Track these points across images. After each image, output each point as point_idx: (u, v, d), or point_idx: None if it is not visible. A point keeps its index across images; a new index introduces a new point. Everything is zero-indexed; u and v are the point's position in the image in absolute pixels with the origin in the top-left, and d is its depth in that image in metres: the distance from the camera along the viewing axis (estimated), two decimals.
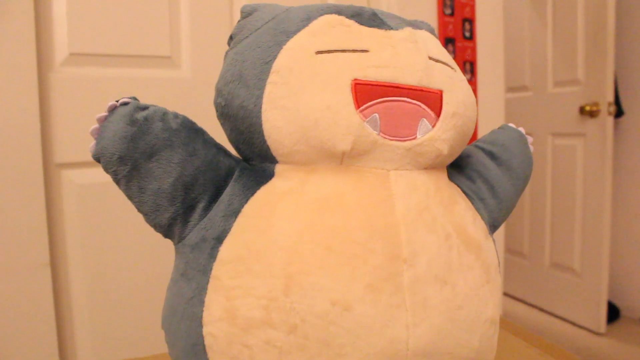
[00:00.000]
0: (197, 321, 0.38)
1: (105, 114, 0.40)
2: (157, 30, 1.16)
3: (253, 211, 0.39)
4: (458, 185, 0.47)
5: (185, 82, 1.20)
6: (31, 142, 1.03)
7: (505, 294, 2.67)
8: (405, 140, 0.39)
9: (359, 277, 0.36)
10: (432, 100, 0.39)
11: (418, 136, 0.39)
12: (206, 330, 0.38)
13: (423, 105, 0.39)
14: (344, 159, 0.39)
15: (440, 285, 0.39)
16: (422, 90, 0.39)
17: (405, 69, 0.38)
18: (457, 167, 0.49)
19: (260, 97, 0.38)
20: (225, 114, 0.42)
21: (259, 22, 0.42)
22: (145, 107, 0.41)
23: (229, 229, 0.39)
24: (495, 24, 1.64)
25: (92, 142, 0.40)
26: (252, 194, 0.40)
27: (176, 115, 0.41)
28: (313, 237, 0.37)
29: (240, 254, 0.37)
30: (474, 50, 1.61)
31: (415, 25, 0.43)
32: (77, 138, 1.09)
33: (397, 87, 0.38)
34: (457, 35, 1.58)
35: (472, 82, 1.62)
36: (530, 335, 0.67)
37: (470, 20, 1.60)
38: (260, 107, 0.38)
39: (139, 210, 0.42)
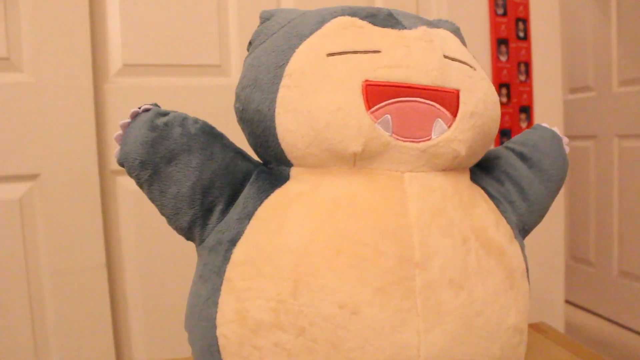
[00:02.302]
0: (211, 322, 0.39)
1: (128, 120, 0.42)
2: (206, 40, 1.20)
3: (266, 214, 0.39)
4: (484, 188, 0.45)
5: (234, 89, 1.22)
6: (88, 149, 1.08)
7: (570, 303, 2.55)
8: (419, 142, 0.38)
9: (368, 280, 0.36)
10: (448, 100, 0.38)
11: (433, 137, 0.38)
12: (219, 331, 0.38)
13: (438, 105, 0.38)
14: (357, 161, 0.38)
15: (455, 290, 0.37)
16: (436, 90, 0.38)
17: (418, 69, 0.38)
18: (485, 169, 0.47)
19: (274, 101, 0.38)
20: (243, 118, 0.42)
21: (276, 27, 0.42)
22: (165, 113, 0.42)
23: (243, 231, 0.39)
24: (551, 22, 1.58)
25: (117, 148, 0.42)
26: (267, 197, 0.40)
27: (196, 121, 0.42)
28: (322, 239, 0.36)
29: (251, 256, 0.38)
30: (528, 50, 1.56)
31: (434, 24, 0.42)
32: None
33: (410, 87, 0.37)
34: (511, 35, 1.53)
35: (527, 83, 1.56)
36: (575, 345, 0.64)
37: (524, 20, 1.55)
38: (274, 111, 0.38)
39: (162, 214, 0.43)
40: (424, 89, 0.38)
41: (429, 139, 0.38)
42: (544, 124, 0.50)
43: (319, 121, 0.37)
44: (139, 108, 0.42)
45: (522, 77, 1.56)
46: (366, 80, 0.37)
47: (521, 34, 1.56)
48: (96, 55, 1.10)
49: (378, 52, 0.38)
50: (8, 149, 1.01)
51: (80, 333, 1.09)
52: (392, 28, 0.40)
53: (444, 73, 0.38)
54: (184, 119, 0.42)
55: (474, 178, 0.46)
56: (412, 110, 0.38)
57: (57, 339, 1.07)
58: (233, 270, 0.38)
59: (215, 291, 0.39)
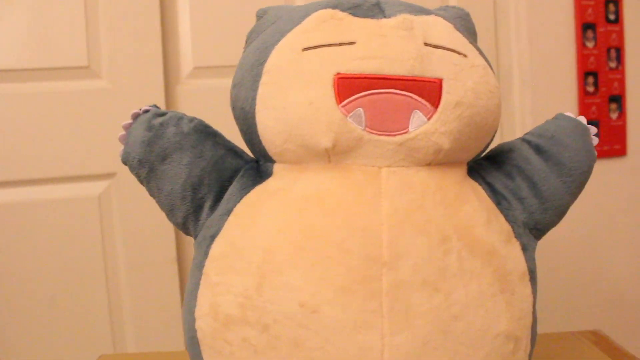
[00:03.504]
0: (192, 315, 0.40)
1: (130, 121, 0.44)
2: None
3: (243, 210, 0.39)
4: (491, 184, 0.42)
5: None
6: None
7: None
8: (395, 135, 0.36)
9: (331, 279, 0.35)
10: (428, 90, 0.36)
11: (410, 130, 0.36)
12: (197, 323, 0.39)
13: (415, 96, 0.36)
14: (331, 156, 0.37)
15: (429, 292, 0.35)
16: (414, 80, 0.36)
17: (393, 59, 0.36)
18: (496, 163, 0.44)
19: (254, 99, 0.38)
20: (235, 116, 0.43)
21: (266, 25, 0.42)
22: (163, 114, 0.43)
23: (222, 227, 0.40)
24: None
25: (121, 148, 0.44)
26: (247, 194, 0.40)
27: (191, 120, 0.44)
28: (288, 236, 0.36)
29: (225, 251, 0.38)
30: (620, 34, 1.43)
31: (425, 11, 0.40)
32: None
33: (384, 79, 0.36)
34: (599, 19, 1.41)
35: (619, 70, 1.43)
36: (628, 357, 0.58)
37: (616, 1, 1.42)
38: (255, 108, 0.39)
39: (162, 210, 0.45)
40: (400, 79, 0.36)
41: (406, 132, 0.36)
42: (568, 113, 0.46)
43: (293, 117, 0.36)
44: (140, 109, 0.44)
45: (613, 64, 1.43)
46: (338, 73, 0.36)
47: (612, 17, 1.43)
48: (168, 59, 1.16)
49: (353, 43, 0.36)
50: (88, 150, 1.09)
51: (154, 323, 1.16)
52: (371, 18, 0.38)
53: (424, 62, 0.36)
54: (179, 119, 0.43)
55: (481, 173, 0.43)
56: (387, 103, 0.36)
57: (132, 328, 1.15)
58: (210, 265, 0.39)
59: (196, 285, 0.40)
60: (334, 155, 0.37)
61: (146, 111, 0.44)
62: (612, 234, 1.34)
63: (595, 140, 0.45)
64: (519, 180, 0.42)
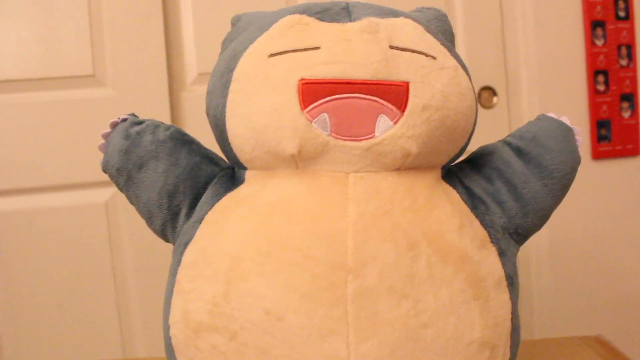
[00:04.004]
0: (167, 322, 0.40)
1: (109, 130, 0.44)
2: None
3: (213, 217, 0.39)
4: (468, 187, 0.41)
5: None
6: None
7: None
8: (361, 140, 0.36)
9: (295, 286, 0.34)
10: (394, 93, 0.36)
11: (376, 134, 0.36)
12: (171, 331, 0.39)
13: (381, 100, 0.35)
14: (298, 162, 0.37)
15: (397, 299, 0.34)
16: (379, 84, 0.35)
17: (357, 63, 0.35)
18: (477, 166, 0.43)
19: (224, 106, 0.38)
20: (210, 124, 0.43)
21: (238, 32, 0.42)
22: (140, 122, 0.44)
23: (194, 234, 0.40)
24: None
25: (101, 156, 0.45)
26: (218, 200, 0.40)
27: (167, 128, 0.44)
28: (254, 243, 0.36)
29: (196, 258, 0.38)
30: (631, 31, 1.40)
31: (394, 13, 0.39)
32: (213, 148, 1.19)
33: (349, 83, 0.35)
34: (608, 16, 1.38)
35: (631, 68, 1.40)
36: None
37: None
38: (225, 115, 0.39)
39: (142, 217, 0.45)
40: (364, 83, 0.35)
41: (372, 137, 0.36)
42: (550, 114, 0.45)
43: (259, 123, 0.36)
44: (118, 118, 0.44)
45: (624, 62, 1.40)
46: (302, 79, 0.35)
47: (622, 14, 1.40)
48: (172, 67, 1.17)
49: (317, 48, 0.36)
50: (95, 157, 1.10)
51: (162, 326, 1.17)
52: (337, 22, 0.38)
53: (389, 65, 0.36)
54: (156, 127, 0.43)
55: (460, 176, 0.43)
56: (352, 107, 0.35)
57: (141, 332, 1.15)
58: (182, 272, 0.39)
59: (170, 292, 0.40)
60: (301, 161, 0.37)
61: (124, 120, 0.44)
62: (624, 234, 1.31)
63: (580, 141, 0.44)
64: (499, 183, 0.42)
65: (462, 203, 0.40)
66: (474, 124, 0.41)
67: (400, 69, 0.36)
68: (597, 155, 1.33)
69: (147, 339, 1.16)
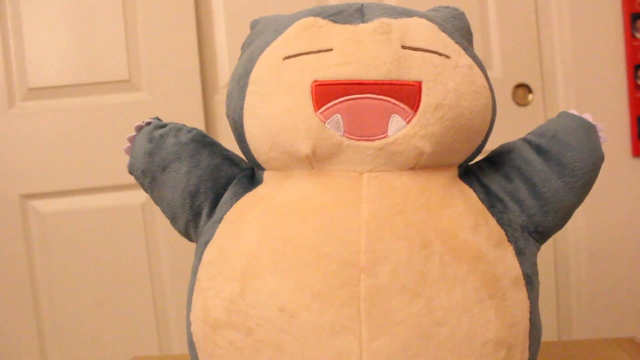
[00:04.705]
0: (188, 319, 0.42)
1: (134, 133, 0.46)
2: None
3: (232, 217, 0.40)
4: (486, 186, 0.41)
5: None
6: None
7: None
8: (374, 140, 0.36)
9: (308, 284, 0.35)
10: (406, 93, 0.36)
11: (389, 134, 0.36)
12: (192, 327, 0.41)
13: (394, 100, 0.36)
14: (313, 162, 0.38)
15: (409, 297, 0.35)
16: (391, 84, 0.36)
17: (369, 64, 0.36)
18: (495, 165, 0.43)
19: (242, 108, 0.40)
20: (230, 126, 0.44)
21: (256, 35, 0.43)
22: (163, 125, 0.45)
23: (214, 233, 0.41)
24: None
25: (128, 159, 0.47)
26: (237, 201, 0.41)
27: (189, 130, 0.45)
28: (269, 242, 0.37)
29: (215, 257, 0.39)
30: None
31: (408, 13, 0.40)
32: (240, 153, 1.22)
33: (361, 84, 0.36)
34: None
35: None
36: None
37: None
38: (242, 118, 0.40)
39: (166, 217, 0.46)
40: (376, 84, 0.36)
41: (384, 137, 0.36)
42: (572, 111, 0.44)
43: (274, 125, 0.37)
44: (143, 122, 0.46)
45: None
46: (315, 81, 0.36)
47: None
48: (205, 70, 1.20)
49: (330, 50, 0.37)
50: None
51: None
52: (350, 24, 0.38)
53: (400, 65, 0.36)
54: (178, 130, 0.45)
55: (478, 175, 0.42)
56: (364, 108, 0.36)
57: (177, 329, 1.18)
58: (202, 271, 0.40)
59: (191, 290, 0.41)
60: (315, 161, 0.38)
61: (148, 123, 0.46)
62: None
63: (603, 139, 0.43)
64: (518, 182, 0.41)
65: (479, 202, 0.40)
66: (492, 123, 0.41)
67: (412, 69, 0.36)
68: (638, 152, 1.29)
69: (183, 337, 1.18)
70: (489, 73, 1.31)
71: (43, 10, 1.11)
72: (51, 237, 1.14)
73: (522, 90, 1.31)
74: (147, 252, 1.16)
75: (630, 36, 1.31)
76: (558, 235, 1.32)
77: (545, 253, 1.27)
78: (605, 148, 1.14)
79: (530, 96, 1.30)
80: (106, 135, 1.13)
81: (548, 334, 1.29)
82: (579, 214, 1.25)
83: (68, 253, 1.14)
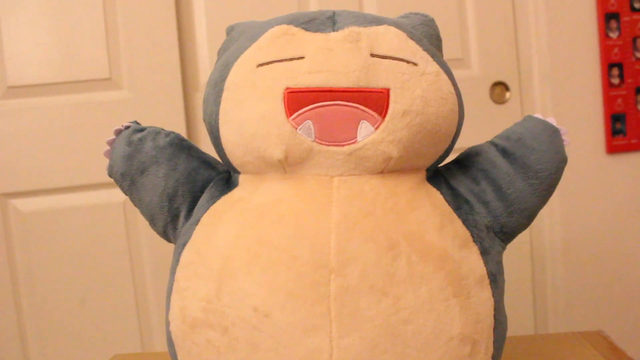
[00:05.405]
0: (167, 318, 0.43)
1: (113, 137, 0.47)
2: None
3: (208, 219, 0.42)
4: (454, 188, 0.43)
5: None
6: None
7: None
8: (344, 145, 0.38)
9: (281, 284, 0.36)
10: (375, 100, 0.37)
11: (358, 140, 0.38)
12: (170, 326, 0.42)
13: (362, 107, 0.37)
14: (286, 167, 0.39)
15: (377, 296, 0.36)
16: (360, 92, 0.37)
17: (339, 72, 0.37)
18: (463, 167, 0.45)
19: (217, 113, 0.41)
20: (207, 130, 0.45)
21: (232, 42, 0.44)
22: (142, 129, 0.46)
23: (191, 235, 0.42)
24: None
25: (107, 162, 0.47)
26: (214, 203, 0.43)
27: (167, 134, 0.46)
28: (243, 244, 0.38)
29: (192, 258, 0.41)
30: None
31: (377, 21, 0.41)
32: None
33: (331, 91, 0.37)
34: (623, 8, 1.36)
35: None
36: (625, 359, 0.57)
37: None
38: (218, 123, 0.41)
39: (145, 219, 0.47)
40: (346, 91, 0.37)
41: (354, 142, 0.38)
42: (537, 115, 0.46)
43: (248, 130, 0.38)
44: (122, 126, 0.47)
45: (639, 54, 1.38)
46: (287, 88, 0.37)
47: (637, 5, 1.38)
48: (186, 68, 1.20)
49: (302, 58, 0.38)
50: None
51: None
52: (321, 32, 0.39)
53: (369, 73, 0.37)
54: (156, 134, 0.46)
55: (447, 177, 0.44)
56: (334, 114, 0.37)
57: (159, 327, 1.19)
58: (180, 272, 0.42)
59: (170, 290, 0.43)
60: (288, 166, 0.39)
61: (127, 127, 0.47)
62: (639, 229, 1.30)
63: (567, 142, 0.45)
64: (484, 184, 0.43)
65: (445, 204, 0.41)
66: (459, 127, 0.43)
67: (380, 76, 0.38)
68: (612, 149, 1.32)
69: (164, 334, 1.19)
70: (467, 72, 1.33)
71: (22, 8, 1.10)
72: (32, 236, 1.13)
73: (499, 88, 1.33)
74: (128, 249, 1.17)
75: (604, 36, 1.34)
76: (534, 231, 1.34)
77: (522, 248, 1.30)
78: (580, 145, 1.17)
79: (507, 94, 1.33)
80: (87, 133, 1.13)
81: (525, 328, 1.32)
82: (555, 209, 1.28)
83: (49, 251, 1.13)
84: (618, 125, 1.35)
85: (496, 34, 1.32)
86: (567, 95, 1.31)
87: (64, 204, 1.15)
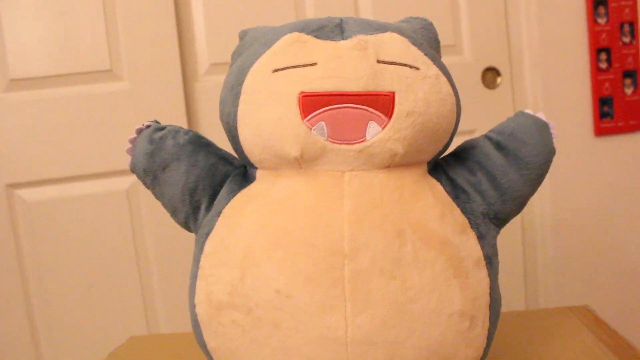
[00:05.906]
0: (192, 301, 0.47)
1: (135, 135, 0.51)
2: None
3: (230, 211, 0.46)
4: (453, 179, 0.47)
5: None
6: None
7: None
8: (354, 143, 0.42)
9: (300, 270, 0.41)
10: (382, 102, 0.41)
11: (367, 139, 0.42)
12: (196, 309, 0.46)
13: (371, 109, 0.41)
14: (301, 163, 0.43)
15: (386, 279, 0.41)
16: (368, 95, 0.41)
17: (349, 77, 0.41)
18: (460, 159, 0.49)
19: (236, 114, 0.44)
20: (224, 128, 0.49)
21: (245, 47, 0.48)
22: (162, 128, 0.50)
23: (214, 226, 0.46)
24: None
25: (129, 159, 0.51)
26: (234, 196, 0.47)
27: (186, 132, 0.50)
28: (265, 233, 0.43)
29: (216, 247, 0.45)
30: (633, 8, 1.41)
31: (382, 28, 0.45)
32: (223, 140, 1.25)
33: (342, 95, 0.41)
34: None
35: (633, 45, 1.43)
36: (610, 333, 0.62)
37: None
38: (237, 123, 0.44)
39: (167, 211, 0.51)
40: (355, 95, 0.41)
41: (363, 141, 0.42)
42: (527, 111, 0.50)
43: (265, 131, 0.42)
44: (143, 125, 0.51)
45: (626, 39, 1.42)
46: (302, 92, 0.41)
47: None
48: (185, 58, 1.22)
49: (315, 64, 0.42)
50: (114, 147, 1.17)
51: (183, 306, 1.24)
52: (331, 40, 0.43)
53: (376, 78, 0.41)
54: (176, 132, 0.49)
55: (446, 168, 0.48)
56: (345, 116, 0.41)
57: (163, 310, 1.23)
58: (204, 260, 0.46)
59: (195, 276, 0.47)
60: (303, 162, 0.43)
61: (148, 126, 0.50)
62: (627, 210, 1.35)
63: (555, 135, 0.49)
64: (480, 174, 0.47)
65: (445, 194, 0.46)
66: (456, 124, 0.47)
67: (386, 81, 0.42)
68: (600, 132, 1.36)
69: (169, 316, 1.23)
70: (460, 58, 1.37)
71: (23, 1, 1.12)
72: (38, 225, 1.16)
73: (491, 73, 1.37)
74: (132, 236, 1.20)
75: (593, 21, 1.38)
76: (525, 213, 1.39)
77: (514, 228, 1.35)
78: (569, 128, 1.23)
79: (498, 79, 1.36)
80: (89, 124, 1.16)
81: (516, 304, 1.37)
82: (545, 191, 1.33)
83: (55, 240, 1.17)
84: (606, 109, 1.40)
85: (487, 20, 1.35)
86: (557, 79, 1.34)
87: (68, 193, 1.17)
